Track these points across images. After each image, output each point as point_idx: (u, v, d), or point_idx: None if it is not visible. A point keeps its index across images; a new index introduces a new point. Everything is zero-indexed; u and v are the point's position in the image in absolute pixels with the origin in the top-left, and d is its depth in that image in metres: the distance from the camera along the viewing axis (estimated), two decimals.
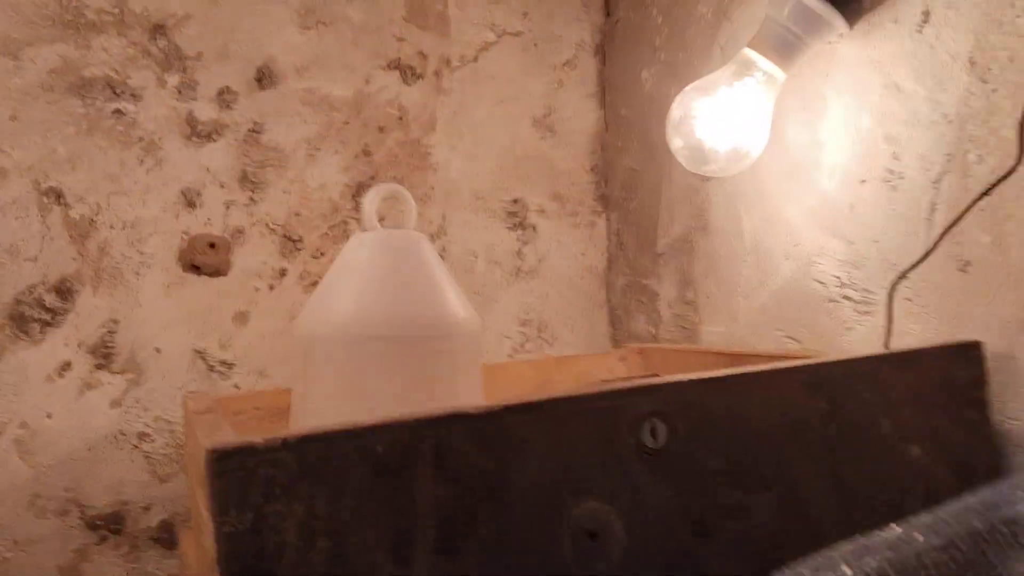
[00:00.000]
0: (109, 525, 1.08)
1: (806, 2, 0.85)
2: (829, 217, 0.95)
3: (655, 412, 0.58)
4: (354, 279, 0.77)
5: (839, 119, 0.93)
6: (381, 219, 0.83)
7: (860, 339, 0.92)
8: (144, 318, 1.11)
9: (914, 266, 0.84)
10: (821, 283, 0.97)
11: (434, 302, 0.77)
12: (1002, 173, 0.77)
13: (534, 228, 1.34)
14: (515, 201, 1.33)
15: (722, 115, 0.91)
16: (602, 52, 1.41)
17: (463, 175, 1.30)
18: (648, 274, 1.29)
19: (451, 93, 1.30)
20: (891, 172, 0.88)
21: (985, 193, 0.78)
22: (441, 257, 1.18)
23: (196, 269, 1.15)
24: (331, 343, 0.75)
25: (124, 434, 1.10)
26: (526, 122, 1.34)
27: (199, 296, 1.14)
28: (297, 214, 1.20)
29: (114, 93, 1.10)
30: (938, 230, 0.83)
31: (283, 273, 1.19)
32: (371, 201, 0.80)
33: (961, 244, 0.81)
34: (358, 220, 1.23)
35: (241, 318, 1.17)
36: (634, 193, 1.32)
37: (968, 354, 0.75)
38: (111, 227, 1.10)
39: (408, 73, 1.27)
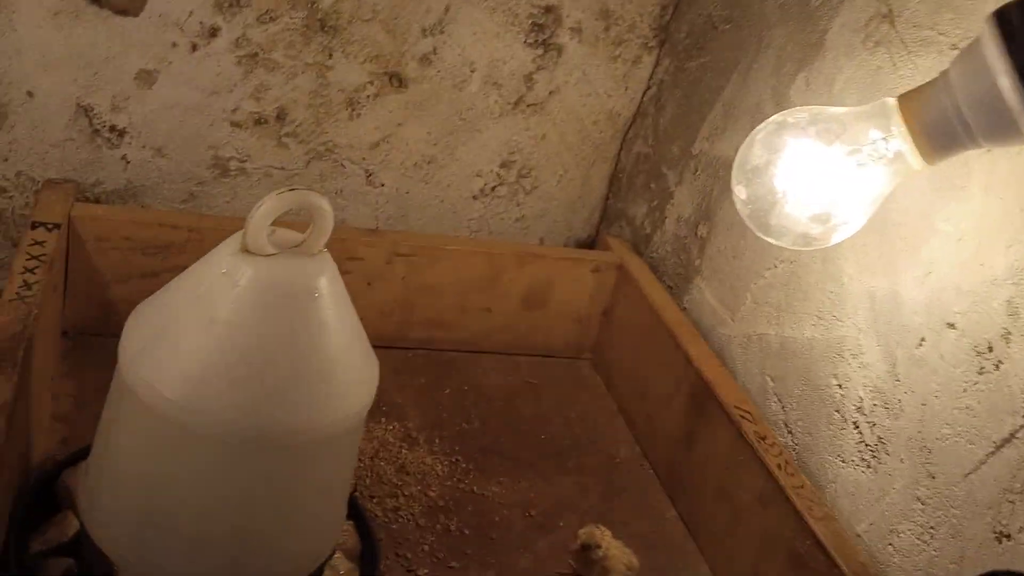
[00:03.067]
0: None
1: (1005, 95, 0.52)
2: (887, 320, 0.70)
3: None
4: (211, 328, 0.52)
5: (969, 224, 0.64)
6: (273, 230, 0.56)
7: (845, 494, 0.72)
8: (18, 49, 0.85)
9: None
10: (838, 384, 0.74)
11: (312, 391, 0.54)
12: None
13: (559, 51, 1.02)
14: (548, 10, 0.99)
15: (817, 188, 0.61)
16: None
17: None
18: (673, 164, 1.01)
19: None
20: (990, 349, 0.62)
21: None
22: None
23: (98, 1, 0.86)
24: (152, 419, 0.53)
25: None
26: None
27: (96, 37, 0.87)
28: None
29: None
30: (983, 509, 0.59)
31: (214, 33, 0.90)
32: (265, 215, 0.53)
33: None
34: None
35: (146, 77, 0.91)
36: (701, 49, 0.99)
37: None
38: None
39: None
